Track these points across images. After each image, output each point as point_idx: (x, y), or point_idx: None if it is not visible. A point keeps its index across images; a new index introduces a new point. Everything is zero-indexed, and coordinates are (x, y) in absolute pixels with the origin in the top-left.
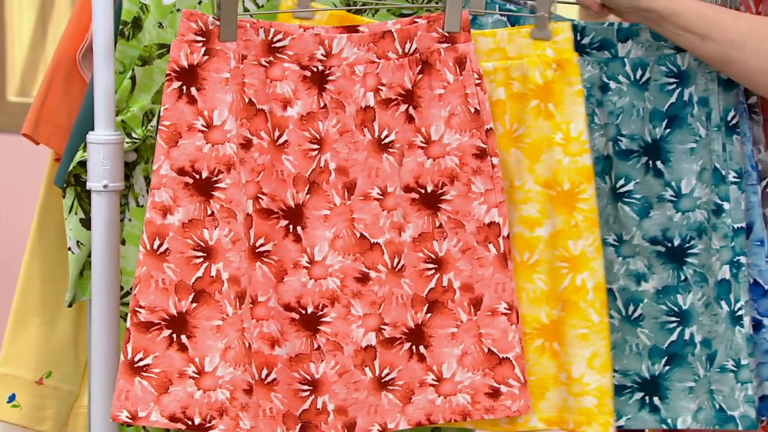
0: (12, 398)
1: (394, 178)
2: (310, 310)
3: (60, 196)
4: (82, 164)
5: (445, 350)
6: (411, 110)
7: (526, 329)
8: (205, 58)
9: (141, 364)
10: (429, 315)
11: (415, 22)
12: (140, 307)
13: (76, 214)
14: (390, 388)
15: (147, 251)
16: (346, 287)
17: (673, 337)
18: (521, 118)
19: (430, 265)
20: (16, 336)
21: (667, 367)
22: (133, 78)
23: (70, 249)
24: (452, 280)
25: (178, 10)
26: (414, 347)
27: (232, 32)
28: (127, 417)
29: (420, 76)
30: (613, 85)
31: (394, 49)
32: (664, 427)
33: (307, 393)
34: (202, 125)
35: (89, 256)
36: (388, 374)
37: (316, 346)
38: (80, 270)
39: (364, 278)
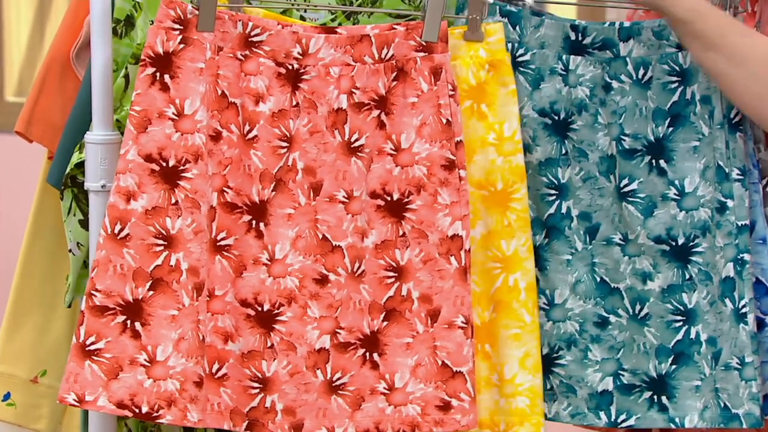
0: (7, 397)
1: (361, 182)
2: (266, 307)
3: (55, 195)
4: (79, 166)
5: (398, 360)
6: (383, 116)
7: None
8: (181, 46)
9: (92, 347)
10: (385, 323)
11: (394, 28)
12: (96, 290)
13: (74, 215)
14: (340, 392)
15: (108, 235)
16: (305, 288)
17: (679, 336)
18: None
19: (391, 273)
20: (12, 335)
21: (673, 366)
22: (126, 77)
23: (70, 251)
24: (411, 289)
25: None
26: (368, 354)
27: (210, 22)
28: (74, 400)
29: (394, 82)
30: (615, 84)
31: (370, 53)
32: (673, 426)
33: (257, 390)
34: (173, 113)
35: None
36: (339, 378)
37: (269, 344)
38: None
39: (323, 280)
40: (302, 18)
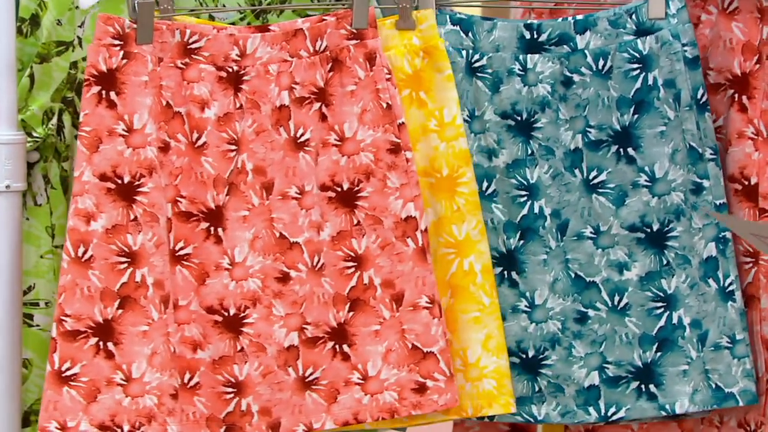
0: None
1: (311, 176)
2: (232, 311)
3: None
4: None
5: (369, 348)
6: (324, 108)
7: None
8: (124, 61)
9: (68, 373)
10: (351, 313)
11: (324, 19)
12: (66, 315)
13: None
14: (314, 387)
15: (71, 259)
16: (267, 287)
17: (662, 322)
18: None
19: (350, 263)
20: None
21: (658, 353)
22: (31, 76)
23: None
24: (373, 277)
25: (77, 7)
26: (337, 346)
27: (148, 35)
28: (56, 428)
29: (331, 73)
30: (576, 78)
31: (305, 47)
32: (663, 414)
33: (231, 395)
34: (123, 129)
35: None
36: (311, 374)
37: (239, 347)
38: None
39: (284, 278)
40: (211, 18)
